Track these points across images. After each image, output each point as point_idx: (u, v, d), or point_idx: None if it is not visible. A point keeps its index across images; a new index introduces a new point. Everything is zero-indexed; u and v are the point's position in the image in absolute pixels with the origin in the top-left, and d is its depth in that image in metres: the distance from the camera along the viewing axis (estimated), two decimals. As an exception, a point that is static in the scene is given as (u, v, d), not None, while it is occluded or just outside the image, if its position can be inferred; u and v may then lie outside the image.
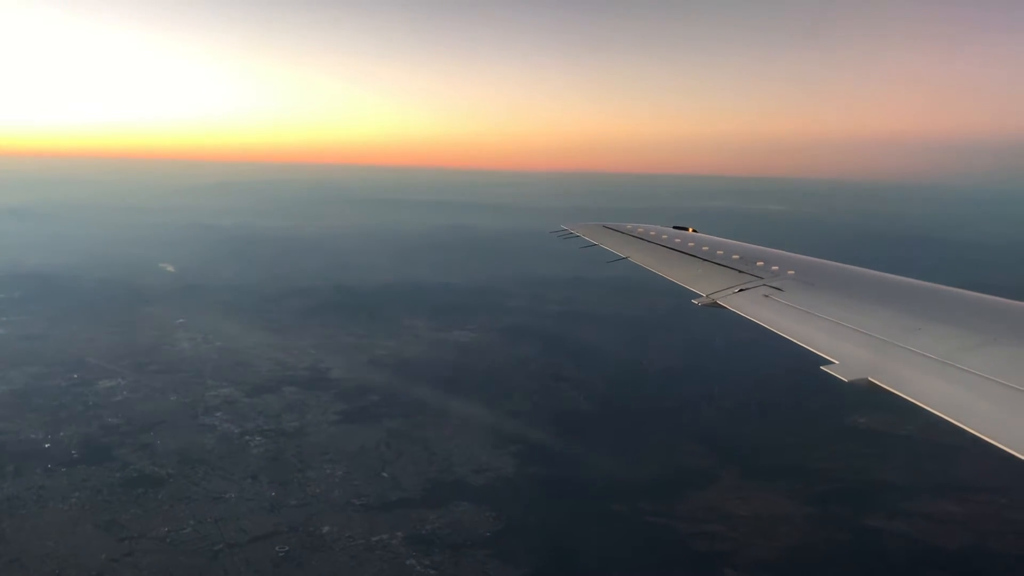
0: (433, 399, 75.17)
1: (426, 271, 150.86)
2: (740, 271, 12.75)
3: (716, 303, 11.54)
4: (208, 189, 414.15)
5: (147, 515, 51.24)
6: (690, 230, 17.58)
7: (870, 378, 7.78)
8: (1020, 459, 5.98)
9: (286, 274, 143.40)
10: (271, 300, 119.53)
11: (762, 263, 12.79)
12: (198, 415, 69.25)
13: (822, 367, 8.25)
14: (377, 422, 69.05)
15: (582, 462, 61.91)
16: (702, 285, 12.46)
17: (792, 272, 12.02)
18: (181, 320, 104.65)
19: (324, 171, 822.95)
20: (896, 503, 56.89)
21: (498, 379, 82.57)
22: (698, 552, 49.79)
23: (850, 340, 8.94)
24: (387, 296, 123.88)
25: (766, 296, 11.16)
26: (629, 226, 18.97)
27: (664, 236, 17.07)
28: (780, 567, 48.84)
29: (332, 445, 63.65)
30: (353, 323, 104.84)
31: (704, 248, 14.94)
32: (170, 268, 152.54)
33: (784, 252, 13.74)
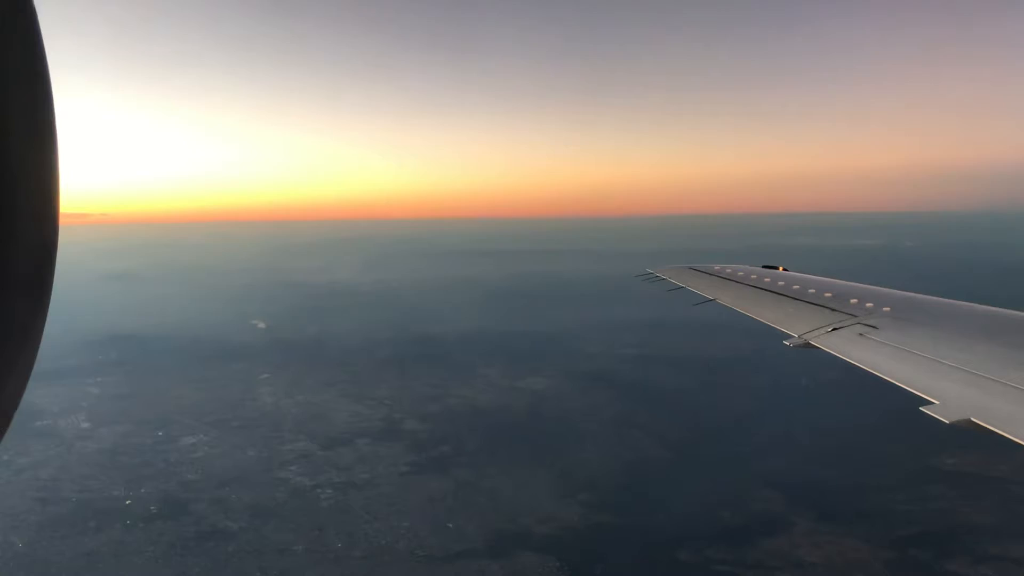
0: (503, 448, 75.05)
1: (504, 319, 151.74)
2: (833, 309, 12.49)
3: (809, 343, 11.28)
4: (296, 248, 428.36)
5: (216, 568, 52.58)
6: (780, 269, 17.34)
7: (972, 418, 7.44)
8: None
9: (367, 326, 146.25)
10: (352, 352, 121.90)
11: (856, 300, 12.55)
12: (272, 469, 70.84)
13: (921, 408, 7.94)
14: (446, 472, 69.24)
15: (650, 510, 60.62)
16: (793, 325, 12.26)
17: (888, 309, 11.77)
18: (266, 375, 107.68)
19: (391, 227, 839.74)
20: (982, 547, 54.00)
21: (570, 426, 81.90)
22: (767, 603, 47.95)
23: (950, 378, 8.62)
24: (464, 345, 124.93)
25: (861, 335, 10.91)
26: (717, 267, 18.72)
27: (753, 276, 16.80)
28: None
29: (400, 496, 64.09)
30: (429, 373, 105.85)
31: (795, 287, 14.70)
32: (261, 324, 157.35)
33: (879, 288, 13.54)
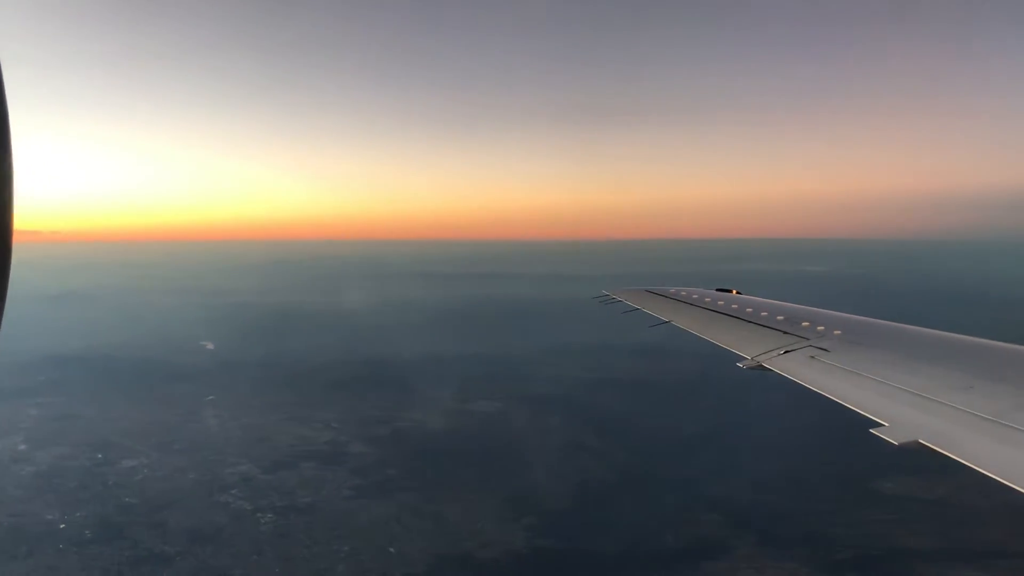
0: (450, 471, 74.69)
1: (457, 342, 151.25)
2: (785, 332, 12.59)
3: (761, 365, 11.37)
4: (247, 269, 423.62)
5: (150, 595, 51.34)
6: (734, 292, 17.55)
7: (920, 440, 7.54)
8: None
9: (316, 348, 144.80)
10: (300, 374, 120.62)
11: (807, 324, 12.62)
12: (213, 493, 69.63)
13: (871, 430, 8.05)
14: (391, 496, 68.68)
15: (594, 534, 60.68)
16: (746, 347, 12.34)
17: (838, 332, 11.87)
18: (211, 397, 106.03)
19: (345, 247, 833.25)
20: (918, 570, 55.05)
21: (518, 449, 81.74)
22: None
23: (899, 401, 8.72)
24: (415, 368, 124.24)
25: (812, 357, 10.98)
26: (672, 290, 18.88)
27: (707, 299, 16.98)
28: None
29: (342, 521, 63.38)
30: (378, 396, 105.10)
31: (748, 310, 14.83)
32: (209, 345, 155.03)
33: (829, 312, 13.66)
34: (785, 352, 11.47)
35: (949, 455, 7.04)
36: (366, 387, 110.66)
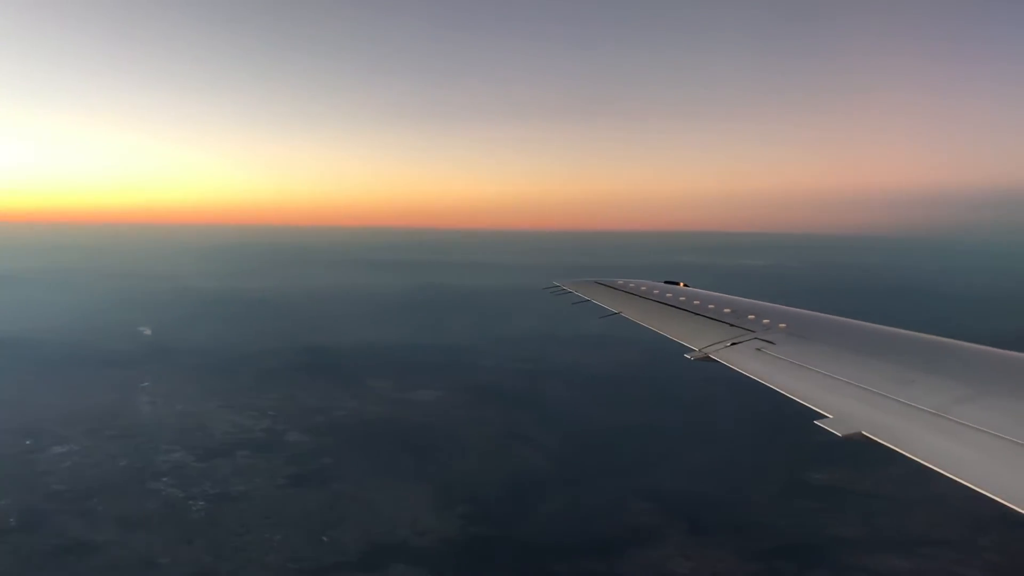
0: (387, 460, 74.70)
1: (401, 331, 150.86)
2: (732, 324, 12.66)
3: (709, 357, 11.41)
4: (188, 253, 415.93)
5: (74, 583, 50.57)
6: (681, 284, 17.58)
7: (864, 432, 7.66)
8: (1009, 510, 5.89)
9: (257, 335, 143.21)
10: (239, 361, 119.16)
11: (754, 316, 12.71)
12: (145, 480, 68.66)
13: (816, 421, 8.16)
14: (326, 485, 68.49)
15: (528, 522, 61.30)
16: (694, 339, 12.36)
17: (783, 325, 11.96)
18: (146, 383, 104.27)
19: (293, 233, 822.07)
20: (843, 559, 56.42)
21: (456, 439, 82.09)
22: (632, 612, 49.17)
23: (843, 393, 8.82)
24: (356, 356, 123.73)
25: (759, 350, 11.06)
26: (621, 282, 18.85)
27: (656, 291, 16.98)
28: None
29: (275, 509, 63.03)
30: (316, 385, 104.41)
31: (696, 302, 14.88)
32: (147, 331, 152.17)
33: (775, 305, 13.72)
34: (732, 344, 11.62)
35: (892, 447, 7.25)
36: (305, 375, 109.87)
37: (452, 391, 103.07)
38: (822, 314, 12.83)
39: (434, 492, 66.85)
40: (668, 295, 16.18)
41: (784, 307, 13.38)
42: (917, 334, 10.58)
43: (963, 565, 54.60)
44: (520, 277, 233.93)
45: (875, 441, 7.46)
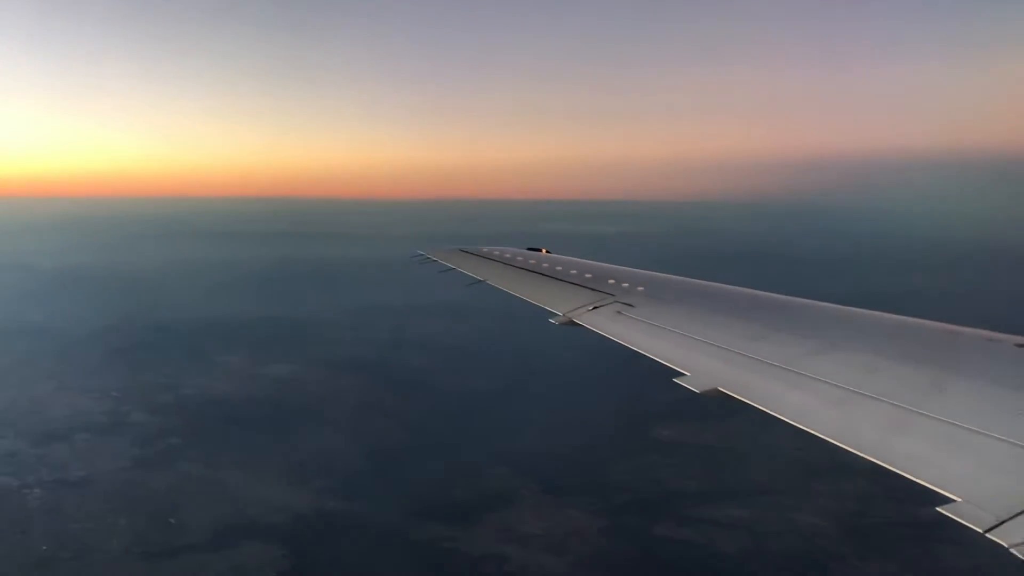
0: (238, 438, 72.95)
1: (255, 305, 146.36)
2: (593, 289, 12.84)
3: (572, 321, 11.61)
4: (25, 227, 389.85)
5: None
6: (544, 251, 17.74)
7: (719, 388, 7.92)
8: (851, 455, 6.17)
9: (99, 313, 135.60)
10: (79, 341, 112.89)
11: (613, 281, 12.91)
12: (-28, 470, 64.45)
13: (674, 379, 8.35)
14: (173, 466, 66.23)
15: (384, 493, 61.32)
16: (558, 304, 12.53)
17: (642, 288, 12.23)
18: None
19: (140, 205, 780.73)
20: (687, 511, 59.13)
21: (311, 413, 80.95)
22: (486, 574, 50.19)
23: (699, 351, 9.09)
24: (206, 332, 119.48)
25: (619, 312, 11.30)
26: (486, 249, 18.87)
27: (520, 258, 17.18)
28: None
29: (119, 493, 60.52)
30: (164, 362, 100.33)
31: (558, 268, 15.02)
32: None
33: (633, 269, 13.94)
34: (594, 308, 11.92)
35: (745, 400, 7.63)
36: (151, 353, 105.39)
37: (308, 365, 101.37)
38: (679, 277, 13.33)
39: (289, 468, 65.91)
40: (532, 262, 16.52)
41: (642, 271, 13.84)
42: (769, 294, 11.18)
43: (798, 511, 58.25)
44: (383, 248, 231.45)
45: (730, 396, 7.89)
